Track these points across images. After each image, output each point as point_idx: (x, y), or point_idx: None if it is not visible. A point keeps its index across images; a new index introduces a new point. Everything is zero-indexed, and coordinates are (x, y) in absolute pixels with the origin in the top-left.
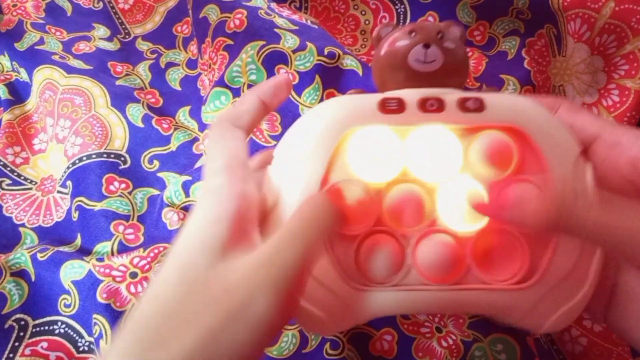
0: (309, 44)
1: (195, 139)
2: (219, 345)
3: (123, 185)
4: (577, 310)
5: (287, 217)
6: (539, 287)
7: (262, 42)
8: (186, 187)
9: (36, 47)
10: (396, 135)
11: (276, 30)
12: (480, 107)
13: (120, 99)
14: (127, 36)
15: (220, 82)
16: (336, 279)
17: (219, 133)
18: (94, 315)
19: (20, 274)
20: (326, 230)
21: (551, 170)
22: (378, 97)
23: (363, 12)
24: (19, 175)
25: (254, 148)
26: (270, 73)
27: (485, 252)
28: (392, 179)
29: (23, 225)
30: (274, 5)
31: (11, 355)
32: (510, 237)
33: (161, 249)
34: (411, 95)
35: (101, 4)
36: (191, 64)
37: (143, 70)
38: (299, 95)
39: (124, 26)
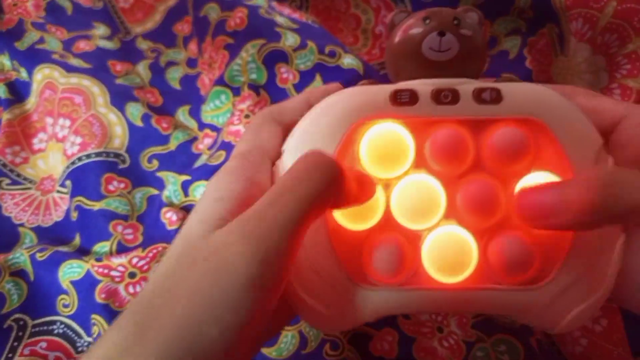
0: (310, 43)
1: (195, 139)
2: (205, 308)
3: (122, 185)
4: (593, 310)
5: None
6: (552, 287)
7: (262, 41)
8: (185, 186)
9: (36, 46)
10: (407, 129)
11: (277, 29)
12: (496, 98)
13: (120, 97)
14: (127, 35)
15: (221, 81)
16: (340, 276)
17: (257, 122)
18: (93, 316)
19: (19, 273)
20: (323, 192)
21: (572, 164)
22: (390, 88)
23: (364, 11)
24: (19, 175)
25: None
26: (271, 72)
27: (497, 251)
28: (402, 174)
29: (22, 225)
30: (274, 4)
31: (10, 355)
32: (522, 236)
33: (160, 248)
34: (424, 86)
35: (101, 2)
36: (191, 62)
37: (143, 69)
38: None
39: (124, 25)
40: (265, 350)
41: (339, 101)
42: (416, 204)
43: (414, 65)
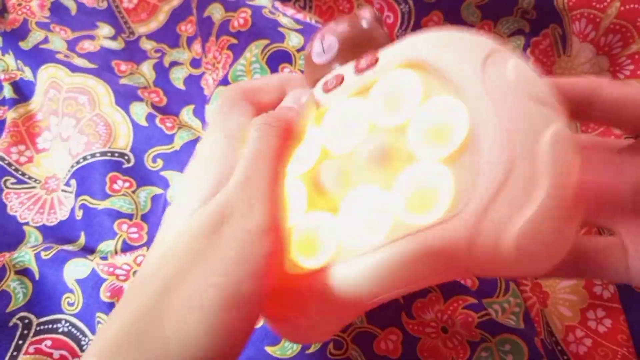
0: None
1: (199, 138)
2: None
3: (127, 184)
4: (546, 216)
5: None
6: (469, 208)
7: (266, 41)
8: None
9: (41, 46)
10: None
11: (280, 29)
12: (373, 61)
13: (124, 97)
14: (131, 35)
15: (224, 81)
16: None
17: (229, 101)
18: (98, 314)
19: (25, 272)
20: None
21: (458, 81)
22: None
23: None
24: (23, 174)
25: None
26: (274, 72)
27: (413, 194)
28: (314, 163)
29: (27, 223)
30: (278, 4)
31: (15, 353)
32: (431, 170)
33: None
34: (318, 85)
35: (105, 3)
36: (195, 63)
37: (147, 69)
38: None
39: (128, 25)
40: (269, 349)
41: None
42: (329, 182)
43: (311, 72)
